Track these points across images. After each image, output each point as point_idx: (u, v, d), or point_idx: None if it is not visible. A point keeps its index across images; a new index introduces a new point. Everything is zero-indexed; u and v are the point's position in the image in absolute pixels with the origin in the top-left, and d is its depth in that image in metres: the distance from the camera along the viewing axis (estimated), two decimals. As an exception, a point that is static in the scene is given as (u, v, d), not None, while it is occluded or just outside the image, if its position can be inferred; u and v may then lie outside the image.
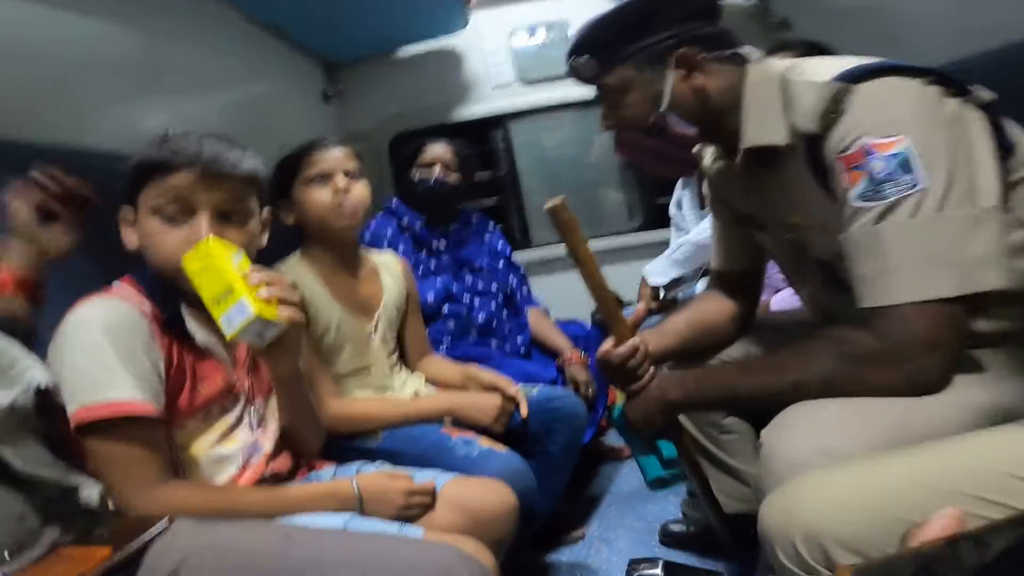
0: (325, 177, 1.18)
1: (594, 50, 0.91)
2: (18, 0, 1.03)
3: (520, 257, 2.08)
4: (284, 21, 1.89)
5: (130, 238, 0.82)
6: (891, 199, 0.69)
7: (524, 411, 1.22)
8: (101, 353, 0.70)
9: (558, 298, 2.11)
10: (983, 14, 1.30)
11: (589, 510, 1.61)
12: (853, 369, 0.73)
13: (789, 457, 0.69)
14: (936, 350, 0.69)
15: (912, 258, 0.69)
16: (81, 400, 0.69)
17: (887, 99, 0.72)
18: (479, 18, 2.35)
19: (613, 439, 1.96)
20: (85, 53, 1.20)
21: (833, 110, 0.74)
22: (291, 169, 1.20)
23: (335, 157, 1.19)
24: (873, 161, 0.70)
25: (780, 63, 0.87)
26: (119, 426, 0.69)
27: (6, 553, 0.60)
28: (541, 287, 2.07)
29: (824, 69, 0.78)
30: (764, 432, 0.75)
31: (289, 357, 0.80)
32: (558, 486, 1.27)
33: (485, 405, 1.17)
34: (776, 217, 0.93)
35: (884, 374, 0.71)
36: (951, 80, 0.73)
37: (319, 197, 1.17)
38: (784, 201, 0.89)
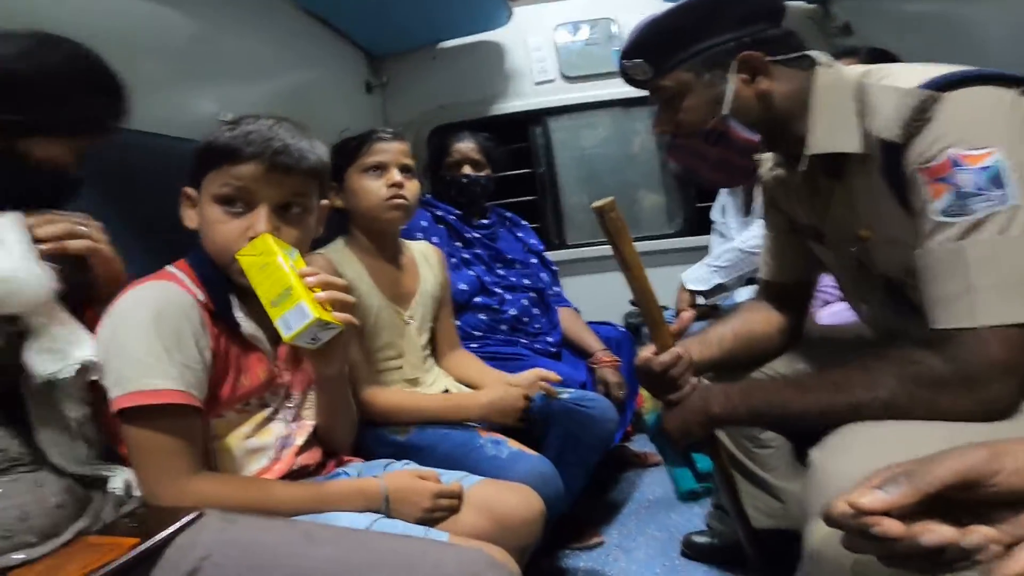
0: (381, 168, 1.19)
1: (650, 53, 0.87)
2: None
3: (554, 257, 2.06)
4: (331, 11, 1.92)
5: (190, 218, 0.83)
6: (979, 215, 0.65)
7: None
8: (149, 339, 0.70)
9: (592, 299, 2.09)
10: None
11: (609, 516, 1.58)
12: (920, 392, 0.68)
13: (843, 478, 0.64)
14: (1010, 376, 0.65)
15: (997, 279, 0.64)
16: (124, 386, 0.69)
17: (979, 109, 0.68)
18: (523, 13, 2.33)
19: (639, 445, 1.92)
20: (141, 37, 1.22)
21: (918, 118, 0.69)
22: (348, 154, 1.20)
23: (394, 150, 1.20)
24: (960, 173, 0.66)
25: (854, 68, 0.83)
26: (158, 415, 0.69)
27: (34, 538, 0.60)
28: (575, 287, 2.06)
29: (909, 75, 0.74)
30: (815, 452, 0.71)
31: (337, 358, 0.81)
32: (576, 488, 1.24)
33: (511, 409, 1.14)
34: (840, 229, 0.88)
35: (955, 399, 0.67)
36: None
37: (372, 187, 1.18)
38: (851, 213, 0.84)
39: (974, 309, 0.65)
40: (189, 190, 0.83)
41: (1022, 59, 1.25)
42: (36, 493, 0.62)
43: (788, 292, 1.06)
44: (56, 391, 0.66)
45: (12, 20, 0.90)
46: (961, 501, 0.39)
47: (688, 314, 0.97)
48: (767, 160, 1.01)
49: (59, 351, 0.64)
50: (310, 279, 0.72)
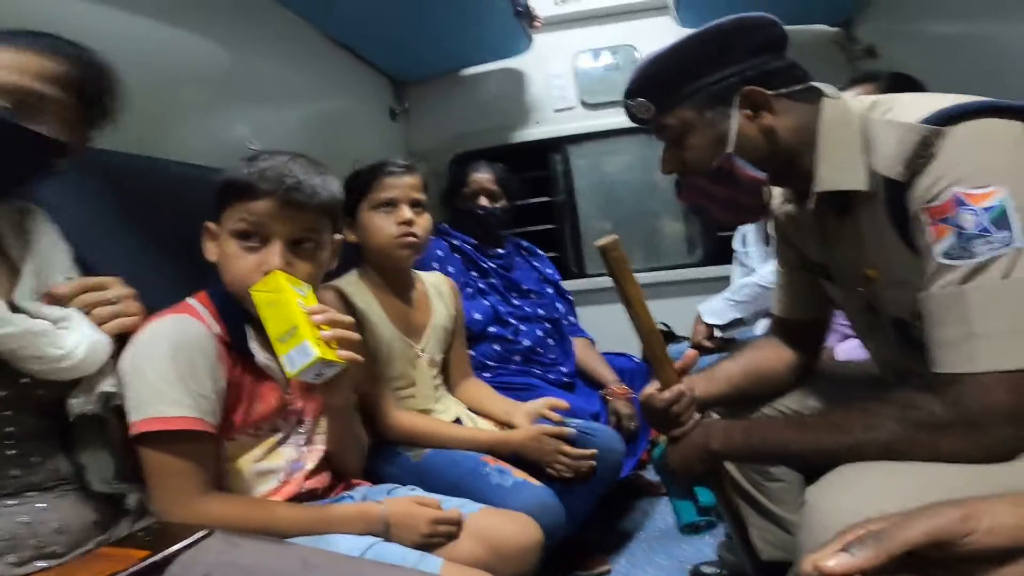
0: (391, 204, 1.19)
1: (651, 91, 0.87)
2: (113, 11, 1.09)
3: (573, 286, 2.06)
4: (357, 40, 1.98)
5: (211, 251, 0.86)
6: (981, 258, 0.63)
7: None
8: (166, 370, 0.74)
9: (609, 329, 2.07)
10: None
11: (618, 544, 1.56)
12: (920, 435, 0.67)
13: (836, 518, 0.63)
14: (1016, 422, 0.63)
15: (999, 324, 0.63)
16: (142, 411, 0.73)
17: (983, 144, 0.66)
18: (543, 40, 2.37)
19: (653, 474, 1.90)
20: (176, 67, 1.27)
21: (921, 155, 0.68)
22: (359, 189, 1.21)
23: (404, 185, 1.20)
24: (964, 213, 0.64)
25: (861, 100, 0.81)
26: (171, 439, 0.73)
27: (59, 548, 0.65)
28: (593, 317, 2.05)
29: (912, 109, 0.72)
30: (810, 490, 0.70)
31: (342, 390, 0.83)
32: (581, 517, 1.24)
33: (547, 452, 1.16)
34: (848, 268, 0.87)
35: (954, 442, 0.65)
36: None
37: (383, 225, 1.19)
38: (858, 252, 0.83)
39: (975, 354, 0.64)
40: (211, 224, 0.86)
41: None
42: (78, 509, 0.67)
43: (800, 329, 1.05)
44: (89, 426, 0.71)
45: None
46: (936, 559, 0.39)
47: (693, 352, 0.97)
48: (778, 195, 1.00)
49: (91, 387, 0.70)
50: (317, 317, 0.75)
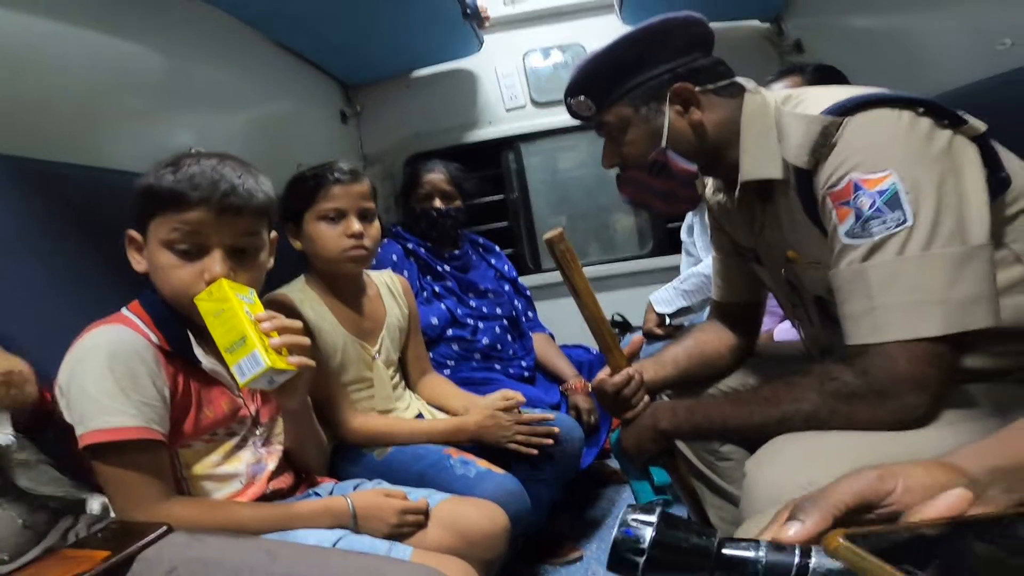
0: (339, 215, 1.16)
1: (590, 89, 0.92)
2: (44, 19, 1.06)
3: (529, 281, 2.09)
4: (304, 43, 1.95)
5: (138, 262, 0.83)
6: (878, 237, 0.69)
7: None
8: (105, 381, 0.73)
9: (566, 322, 2.11)
10: (999, 37, 1.29)
11: (588, 531, 1.61)
12: (837, 405, 0.73)
13: (771, 487, 0.69)
14: (921, 388, 0.69)
15: (898, 297, 0.69)
16: (87, 424, 0.72)
17: (876, 133, 0.72)
18: (493, 40, 2.38)
19: (615, 462, 1.96)
20: (110, 73, 1.23)
21: (823, 144, 0.73)
22: (304, 197, 1.17)
23: (352, 194, 1.16)
24: (861, 197, 0.70)
25: (777, 93, 0.87)
26: (122, 449, 0.73)
27: (6, 556, 0.65)
28: (550, 311, 2.08)
29: (816, 101, 0.78)
30: (748, 462, 0.76)
31: (297, 393, 0.83)
32: (545, 502, 1.27)
33: (504, 427, 1.19)
34: (772, 251, 0.94)
35: (868, 410, 0.71)
36: (944, 111, 0.72)
37: (330, 236, 1.15)
38: (779, 235, 0.89)
39: (878, 326, 0.70)
40: (133, 233, 0.82)
41: (968, 72, 1.34)
42: (4, 516, 0.66)
43: (737, 312, 1.12)
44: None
45: None
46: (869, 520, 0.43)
47: (638, 337, 1.02)
48: (710, 184, 1.06)
49: None
50: (265, 324, 0.74)
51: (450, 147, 2.44)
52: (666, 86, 0.88)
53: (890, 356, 0.69)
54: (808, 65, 1.46)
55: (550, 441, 1.22)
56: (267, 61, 1.86)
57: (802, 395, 0.76)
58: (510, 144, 2.53)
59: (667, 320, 1.78)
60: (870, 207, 0.70)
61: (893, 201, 0.69)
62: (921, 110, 0.72)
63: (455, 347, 1.60)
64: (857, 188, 0.71)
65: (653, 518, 0.41)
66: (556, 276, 2.42)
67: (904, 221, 0.68)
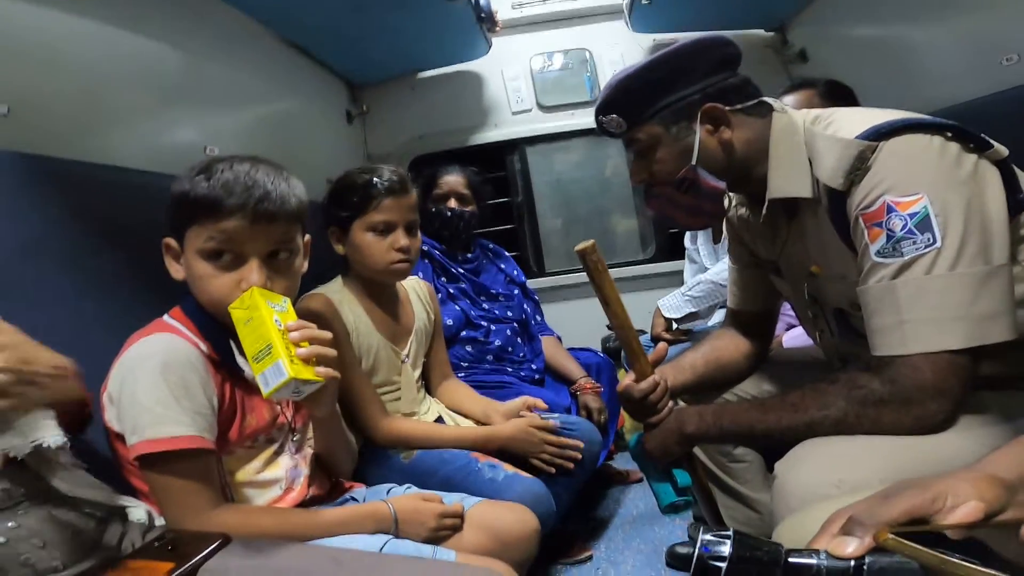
0: (388, 228, 1.17)
1: (622, 108, 0.94)
2: (60, 14, 1.05)
3: (533, 284, 2.11)
4: (312, 41, 1.95)
5: (176, 270, 0.83)
6: (908, 256, 0.74)
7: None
8: (159, 390, 0.73)
9: (570, 325, 2.16)
10: (1005, 52, 1.32)
11: (597, 531, 1.65)
12: (865, 410, 0.77)
13: (802, 488, 0.74)
14: (943, 396, 0.74)
15: (924, 312, 0.74)
16: (140, 434, 0.73)
17: (909, 158, 0.76)
18: (500, 43, 2.40)
19: (621, 463, 2.01)
20: (123, 68, 1.22)
21: (858, 167, 0.77)
22: (353, 206, 1.18)
23: (403, 207, 1.17)
24: (893, 218, 0.75)
25: (804, 113, 0.91)
26: (175, 458, 0.73)
27: (60, 563, 0.65)
28: (554, 314, 2.11)
29: (850, 124, 0.81)
30: (778, 464, 0.80)
31: (325, 403, 0.83)
32: (565, 506, 1.31)
33: (534, 443, 1.22)
34: (795, 265, 0.97)
35: (894, 416, 0.76)
36: (971, 135, 0.76)
37: (379, 248, 1.17)
38: (804, 250, 0.93)
39: (905, 339, 0.74)
40: (170, 241, 0.82)
41: (973, 86, 1.38)
42: (51, 522, 0.66)
43: (753, 320, 1.16)
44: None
45: None
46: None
47: (663, 345, 1.05)
48: (731, 199, 1.09)
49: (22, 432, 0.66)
50: (294, 334, 0.73)
51: (455, 149, 2.44)
52: (697, 105, 0.91)
53: (916, 366, 0.74)
54: (819, 80, 1.49)
55: (571, 466, 1.25)
56: (276, 58, 1.87)
57: (830, 401, 0.80)
58: (515, 147, 2.54)
59: (674, 325, 1.83)
60: (902, 228, 0.74)
61: (924, 223, 0.73)
62: (949, 134, 0.76)
63: (468, 348, 1.63)
64: (890, 210, 0.75)
65: (728, 536, 0.46)
66: (560, 280, 2.50)
67: (933, 242, 0.73)
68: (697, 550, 0.46)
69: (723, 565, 0.45)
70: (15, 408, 0.62)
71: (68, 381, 0.70)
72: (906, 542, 0.42)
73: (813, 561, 0.46)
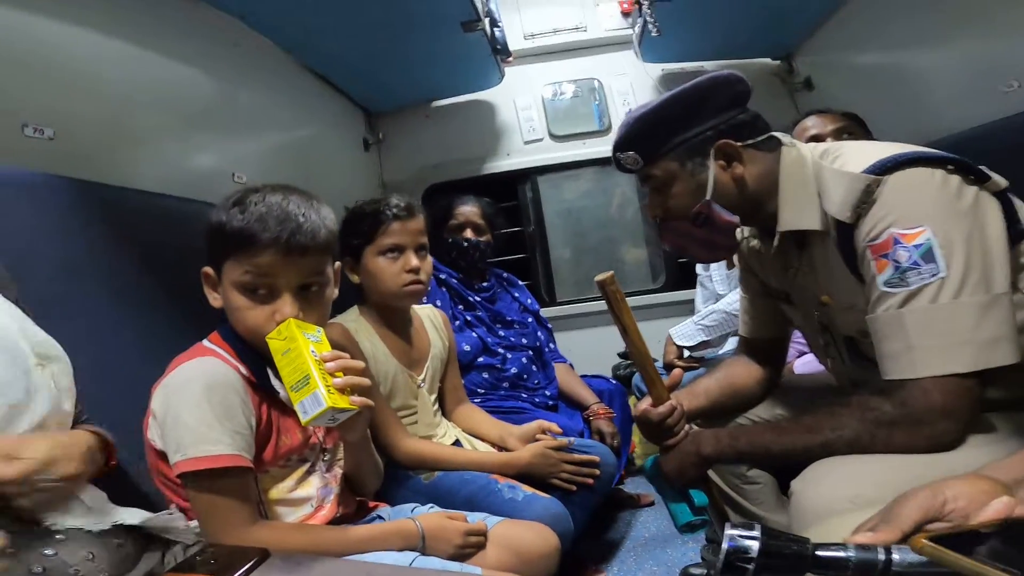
0: (398, 250, 1.22)
1: (639, 145, 0.98)
2: (94, 37, 1.10)
3: (545, 314, 2.12)
4: (332, 69, 2.02)
5: (214, 299, 0.87)
6: (914, 286, 0.78)
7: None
8: (202, 410, 0.77)
9: (581, 353, 2.18)
10: (1006, 79, 1.35)
11: (609, 554, 1.66)
12: (878, 431, 0.81)
13: (818, 503, 0.77)
14: (952, 417, 0.77)
15: (932, 339, 0.77)
16: (184, 452, 0.76)
17: (912, 191, 0.80)
18: (513, 73, 2.46)
19: (631, 487, 2.02)
20: (154, 94, 1.27)
21: (864, 200, 0.81)
22: (363, 234, 1.23)
23: (411, 230, 1.22)
24: (899, 250, 0.79)
25: (812, 148, 0.95)
26: (217, 476, 0.77)
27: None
28: (565, 342, 2.13)
29: (856, 158, 0.85)
30: (795, 482, 0.83)
31: (357, 429, 0.87)
32: (579, 524, 1.32)
33: (552, 464, 1.24)
34: (805, 295, 1.01)
35: (906, 436, 0.79)
36: (971, 167, 0.80)
37: (390, 272, 1.21)
38: (814, 281, 0.97)
39: (915, 363, 0.78)
40: (209, 271, 0.86)
41: (975, 113, 1.42)
42: (98, 536, 0.69)
43: (764, 347, 1.19)
44: None
45: (43, 73, 0.96)
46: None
47: (679, 372, 1.08)
48: (743, 231, 1.13)
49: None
50: (330, 364, 0.76)
51: (468, 178, 2.48)
52: (711, 142, 0.95)
53: (925, 389, 0.78)
54: (836, 110, 1.56)
55: (591, 482, 1.27)
56: (298, 86, 1.93)
57: (844, 423, 0.83)
58: (527, 176, 2.58)
59: (686, 353, 1.86)
60: (908, 259, 0.78)
61: (928, 254, 0.77)
62: (951, 167, 0.80)
63: (485, 375, 1.65)
64: (896, 242, 0.79)
65: (756, 532, 0.48)
66: (570, 309, 2.53)
67: (937, 273, 0.77)
68: (725, 544, 0.48)
69: (750, 566, 0.47)
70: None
71: (98, 457, 0.74)
72: (943, 549, 0.44)
73: (841, 554, 0.48)
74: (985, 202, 0.80)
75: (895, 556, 0.47)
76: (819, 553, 0.48)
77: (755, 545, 0.48)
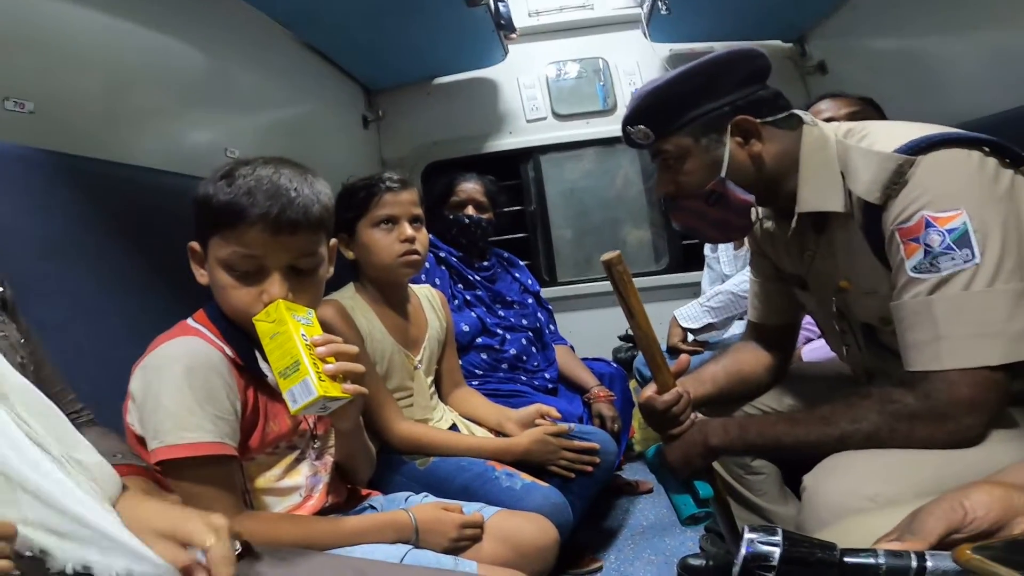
0: (392, 221, 1.20)
1: (650, 119, 0.93)
2: (80, 10, 1.05)
3: (546, 294, 2.10)
4: (331, 45, 1.97)
5: (200, 275, 0.82)
6: (946, 272, 0.73)
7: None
8: (182, 394, 0.72)
9: (582, 335, 2.15)
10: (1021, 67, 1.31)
11: (606, 542, 1.63)
12: (898, 425, 0.76)
13: (835, 501, 0.73)
14: (979, 411, 0.73)
15: (962, 329, 0.73)
16: (162, 439, 0.72)
17: (947, 173, 0.75)
18: (517, 51, 2.40)
19: (630, 474, 1.99)
20: (144, 68, 1.23)
21: (895, 181, 0.76)
22: (357, 206, 1.21)
23: (404, 201, 1.20)
24: (932, 234, 0.74)
25: (836, 127, 0.90)
26: (196, 465, 0.72)
27: None
28: (565, 324, 2.10)
29: (886, 138, 0.80)
30: (807, 477, 0.79)
31: (350, 417, 0.83)
32: (578, 512, 1.29)
33: (551, 451, 1.22)
34: (822, 279, 0.96)
35: (927, 431, 0.75)
36: (1007, 149, 0.76)
37: (385, 243, 1.19)
38: (833, 265, 0.92)
39: (941, 354, 0.74)
40: (195, 246, 0.81)
41: (993, 100, 1.37)
42: None
43: (774, 333, 1.14)
44: None
45: (24, 46, 0.92)
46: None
47: (686, 357, 1.04)
48: (757, 212, 1.07)
49: None
50: (321, 349, 0.72)
51: (469, 156, 2.44)
52: (728, 117, 0.90)
53: (952, 382, 0.73)
54: (851, 95, 1.50)
55: (590, 469, 1.25)
56: (296, 62, 1.88)
57: (862, 415, 0.79)
58: (529, 155, 2.54)
59: (690, 336, 1.81)
60: (940, 244, 0.73)
61: (963, 239, 0.72)
62: (987, 149, 0.75)
63: (484, 356, 1.62)
64: (928, 225, 0.74)
65: (778, 537, 0.44)
66: (571, 289, 2.49)
67: (972, 258, 0.72)
68: (743, 550, 0.44)
69: (774, 564, 0.43)
70: None
71: None
72: (990, 562, 0.40)
73: (872, 561, 0.44)
74: (1021, 186, 0.75)
75: (928, 564, 0.43)
76: (847, 559, 0.44)
77: (776, 551, 0.43)
